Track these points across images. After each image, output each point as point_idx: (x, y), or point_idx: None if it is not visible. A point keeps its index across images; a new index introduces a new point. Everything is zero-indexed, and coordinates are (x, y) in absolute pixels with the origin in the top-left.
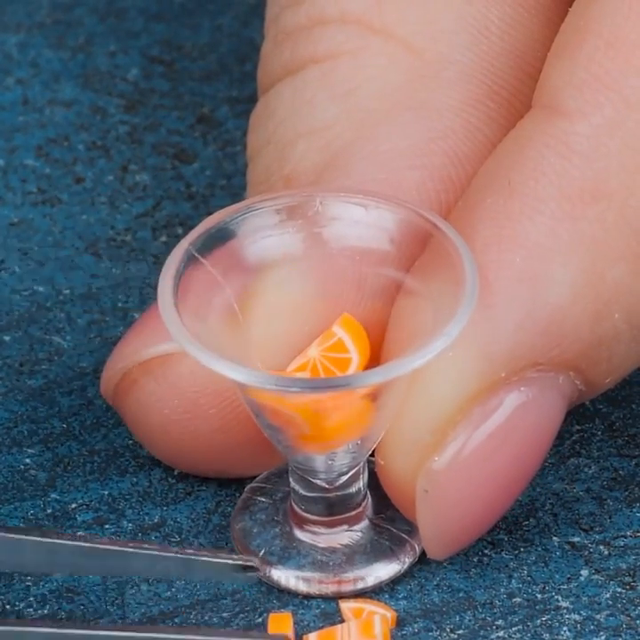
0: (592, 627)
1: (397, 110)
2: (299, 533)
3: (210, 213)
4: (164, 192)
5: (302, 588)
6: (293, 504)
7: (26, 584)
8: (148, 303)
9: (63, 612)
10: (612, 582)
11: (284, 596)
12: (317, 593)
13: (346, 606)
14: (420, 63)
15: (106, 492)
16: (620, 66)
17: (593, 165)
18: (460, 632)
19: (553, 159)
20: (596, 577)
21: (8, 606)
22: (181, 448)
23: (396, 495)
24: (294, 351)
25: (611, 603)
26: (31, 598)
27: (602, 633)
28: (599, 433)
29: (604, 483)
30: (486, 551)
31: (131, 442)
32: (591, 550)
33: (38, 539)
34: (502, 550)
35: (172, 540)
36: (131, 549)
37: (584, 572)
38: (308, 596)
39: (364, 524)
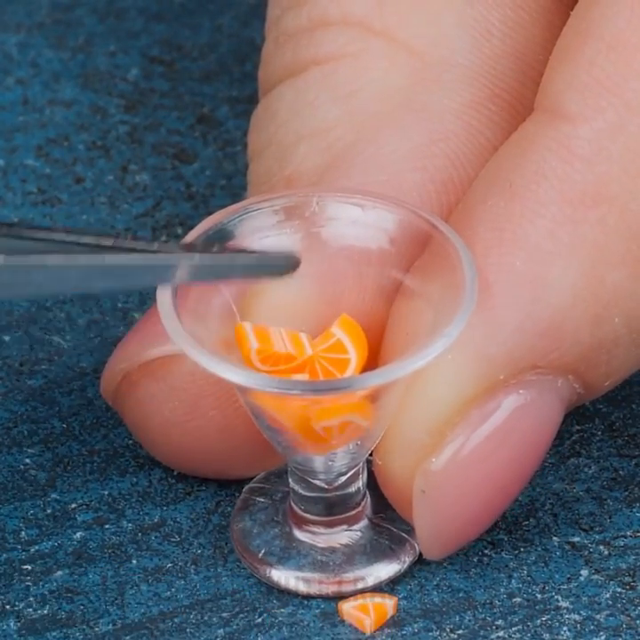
0: (592, 627)
1: (399, 113)
2: (298, 533)
3: (210, 213)
4: (163, 192)
5: (302, 588)
6: (293, 504)
7: (26, 584)
8: (148, 303)
9: (63, 612)
10: (611, 582)
11: (284, 596)
12: (317, 593)
13: (348, 606)
14: (421, 66)
15: (106, 492)
16: (622, 70)
17: (594, 169)
18: (460, 632)
19: (554, 162)
20: (595, 577)
21: (8, 606)
22: (181, 449)
23: (393, 495)
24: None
25: (611, 603)
26: (31, 598)
27: (602, 633)
28: (599, 433)
29: (604, 483)
30: (486, 551)
31: (131, 442)
32: (591, 550)
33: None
34: (502, 550)
35: (172, 540)
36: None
37: (584, 572)
38: (308, 597)
39: (364, 523)
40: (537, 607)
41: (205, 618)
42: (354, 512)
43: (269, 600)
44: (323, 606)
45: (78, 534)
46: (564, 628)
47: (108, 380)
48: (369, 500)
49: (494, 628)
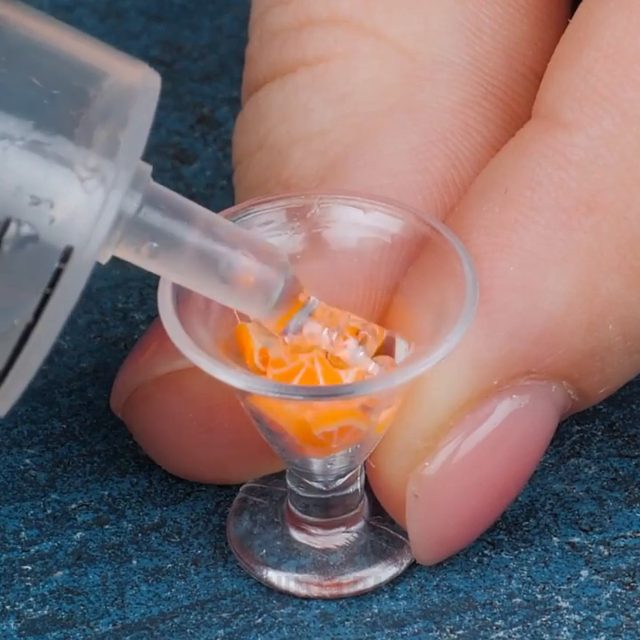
0: (592, 627)
1: (394, 113)
2: (296, 535)
3: None
4: None
5: (302, 591)
6: (290, 505)
7: (26, 584)
8: (148, 303)
9: (63, 613)
10: (611, 582)
11: (284, 597)
12: (317, 595)
13: None
14: (413, 65)
15: (106, 493)
16: (619, 79)
17: (590, 177)
18: (460, 632)
19: (550, 169)
20: (596, 577)
21: (8, 606)
22: (191, 459)
23: (386, 499)
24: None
25: (611, 603)
26: (31, 598)
27: (602, 633)
28: (599, 433)
29: (604, 483)
30: (486, 551)
31: (131, 442)
32: (591, 550)
33: None
34: (502, 550)
35: (172, 540)
36: None
37: (584, 573)
38: (307, 598)
39: (361, 525)
40: (537, 607)
41: (205, 618)
42: (352, 514)
43: (269, 600)
44: (323, 607)
45: (78, 535)
46: (564, 629)
47: (118, 392)
48: (367, 501)
49: (494, 628)
